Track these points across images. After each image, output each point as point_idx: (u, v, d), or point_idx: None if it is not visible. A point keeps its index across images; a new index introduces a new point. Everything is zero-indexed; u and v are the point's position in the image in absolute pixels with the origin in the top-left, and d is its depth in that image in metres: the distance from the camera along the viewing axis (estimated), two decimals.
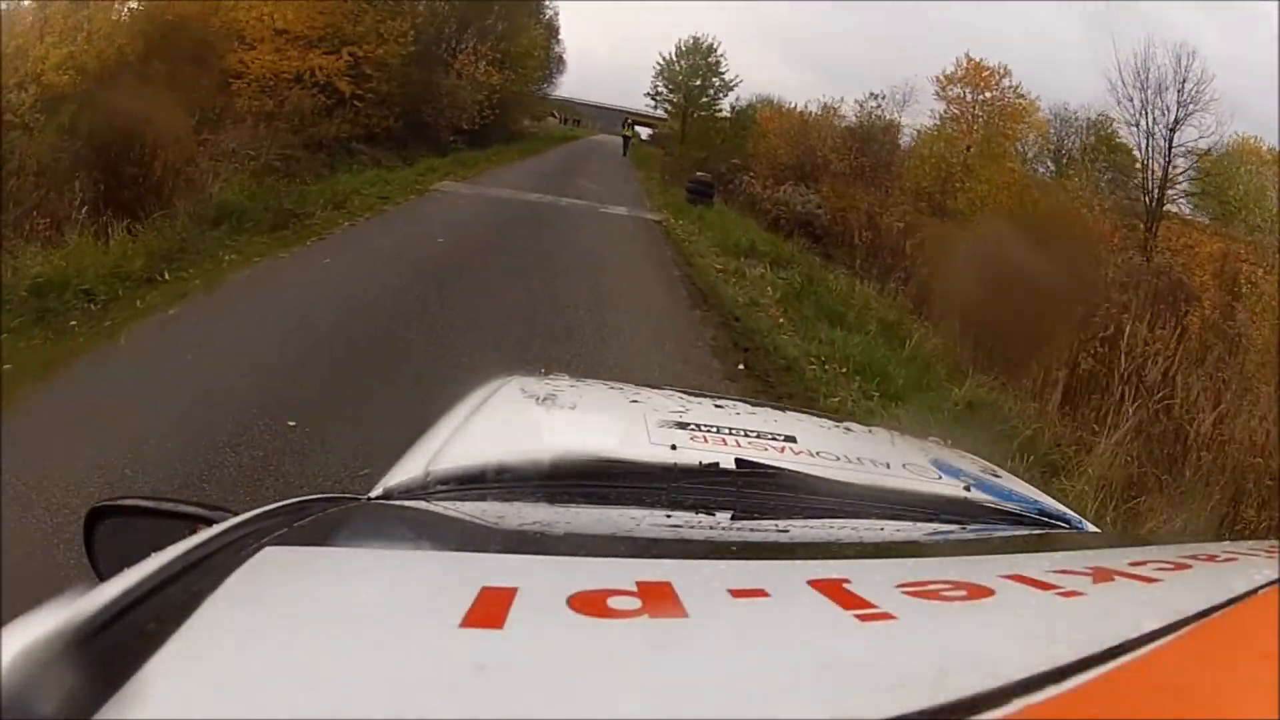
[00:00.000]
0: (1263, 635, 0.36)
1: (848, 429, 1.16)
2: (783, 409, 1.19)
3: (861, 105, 15.23)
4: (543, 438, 0.90)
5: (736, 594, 0.37)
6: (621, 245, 8.53)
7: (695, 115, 17.87)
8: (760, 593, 0.37)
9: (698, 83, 17.81)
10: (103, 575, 0.72)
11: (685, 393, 1.19)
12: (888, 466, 0.94)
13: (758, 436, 0.95)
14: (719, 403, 1.16)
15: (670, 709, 0.27)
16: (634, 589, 0.36)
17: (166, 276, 4.86)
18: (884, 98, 14.76)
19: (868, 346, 5.53)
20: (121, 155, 5.95)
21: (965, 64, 14.32)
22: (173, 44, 8.45)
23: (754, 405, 1.17)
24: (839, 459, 0.92)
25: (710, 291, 6.73)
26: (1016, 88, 14.01)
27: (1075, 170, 13.47)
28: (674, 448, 0.85)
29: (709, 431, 0.93)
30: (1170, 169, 12.23)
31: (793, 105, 15.71)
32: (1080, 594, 0.40)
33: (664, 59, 18.28)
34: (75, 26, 7.86)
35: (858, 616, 0.34)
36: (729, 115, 17.54)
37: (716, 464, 0.82)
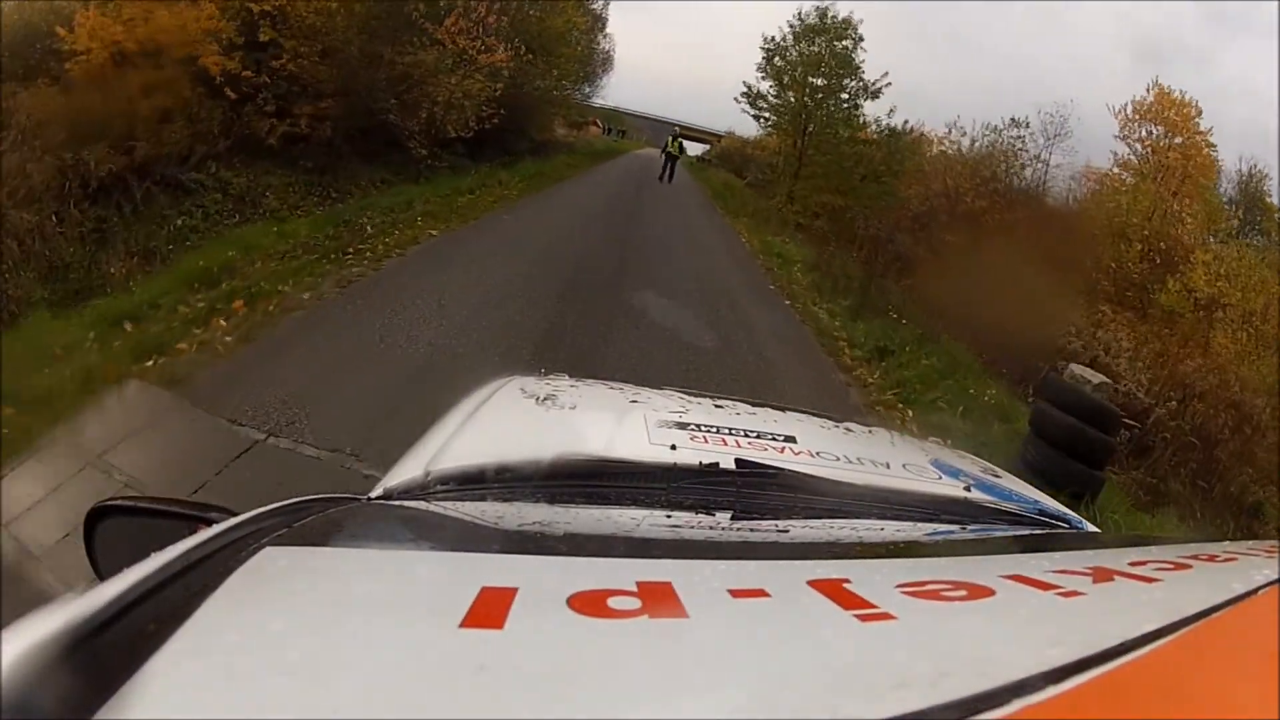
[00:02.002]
0: (1263, 635, 0.36)
1: (848, 429, 1.16)
2: (782, 409, 1.19)
3: (998, 134, 10.50)
4: (543, 438, 0.90)
5: (736, 594, 0.37)
6: None
7: (823, 134, 11.27)
8: (760, 593, 0.37)
9: (820, 81, 11.18)
10: (103, 575, 0.72)
11: (685, 393, 1.19)
12: (888, 467, 0.93)
13: (757, 437, 0.95)
14: (719, 403, 1.16)
15: (670, 709, 0.27)
16: (634, 589, 0.36)
17: None
18: (1027, 126, 10.23)
19: None
20: None
21: (1155, 93, 9.84)
22: None
23: (754, 406, 1.17)
24: (839, 459, 0.92)
25: None
26: (1207, 133, 9.73)
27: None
28: (674, 448, 0.85)
29: (709, 432, 0.93)
30: None
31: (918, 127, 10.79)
32: (1080, 594, 0.40)
33: (771, 43, 11.38)
34: None
35: (858, 616, 0.34)
36: (875, 136, 11.04)
37: (716, 464, 0.82)
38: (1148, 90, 9.96)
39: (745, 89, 12.23)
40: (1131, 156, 10.08)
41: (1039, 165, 10.50)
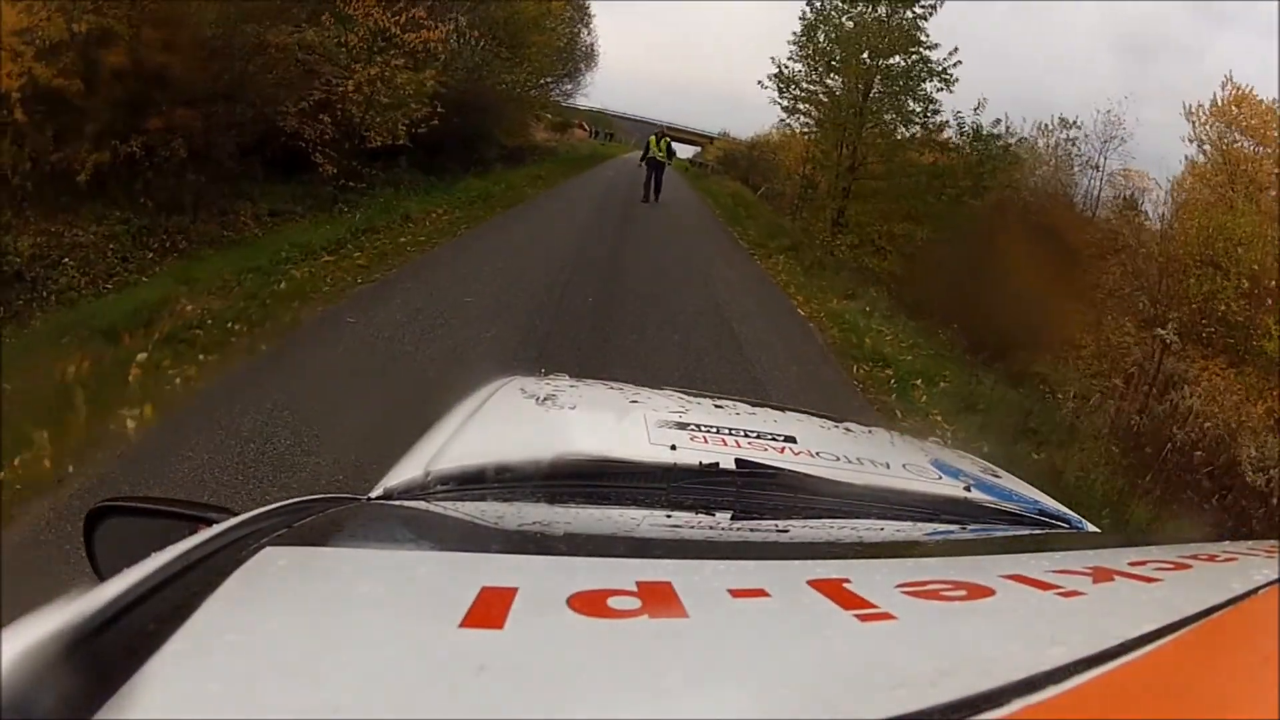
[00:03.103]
0: (1263, 635, 0.36)
1: (847, 429, 1.16)
2: (782, 409, 1.19)
3: (1045, 135, 8.33)
4: (543, 438, 0.90)
5: (736, 594, 0.37)
6: None
7: (888, 135, 8.27)
8: (760, 593, 0.37)
9: (871, 57, 8.08)
10: (103, 575, 0.72)
11: (685, 393, 1.19)
12: (887, 467, 0.94)
13: (757, 437, 0.95)
14: (719, 403, 1.16)
15: (670, 709, 0.27)
16: (634, 589, 0.36)
17: None
18: (1079, 126, 8.30)
19: None
20: None
21: (1231, 92, 8.02)
22: None
23: (754, 406, 1.17)
24: (839, 459, 0.92)
25: None
26: None
27: None
28: (674, 448, 0.85)
29: (709, 432, 0.93)
30: None
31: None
32: (1080, 594, 0.40)
33: (811, 9, 8.49)
34: None
35: (858, 616, 0.34)
36: (966, 142, 8.02)
37: (716, 464, 0.82)
38: (1222, 86, 8.13)
39: (776, 70, 8.69)
40: (1204, 162, 8.16)
41: (1093, 172, 8.47)
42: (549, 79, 11.78)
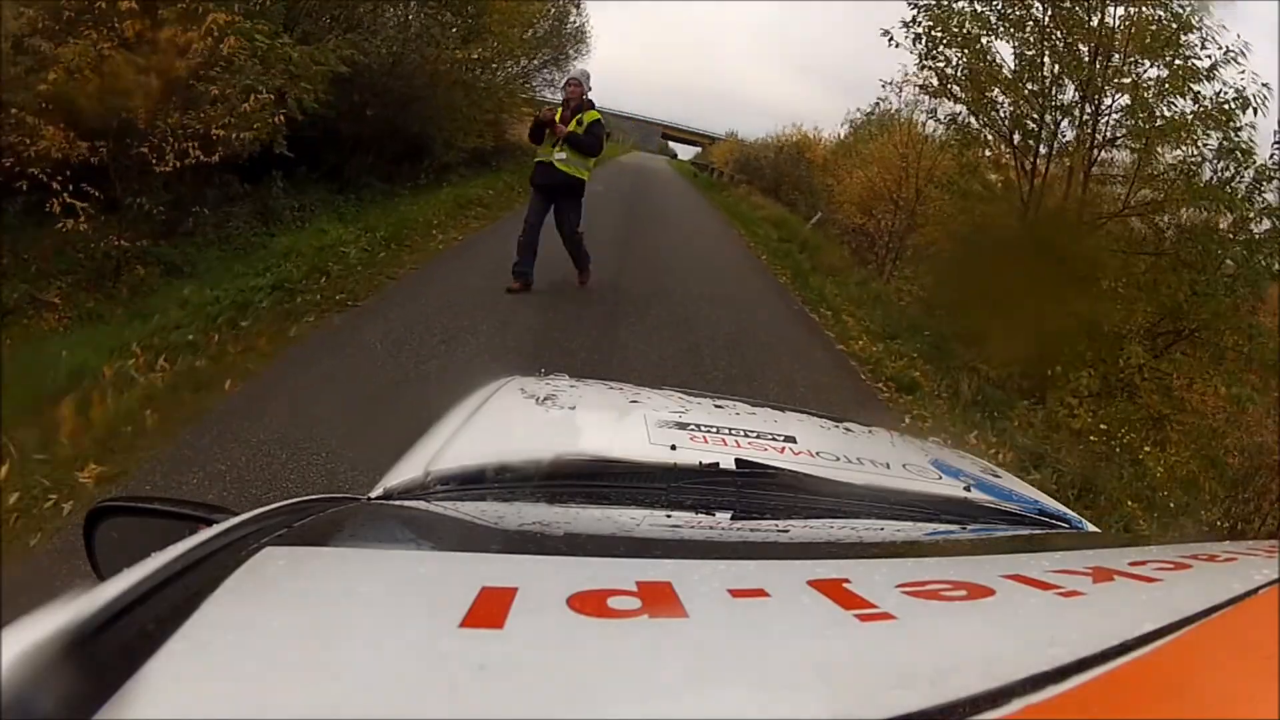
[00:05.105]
0: (1263, 635, 0.36)
1: (847, 429, 1.16)
2: (782, 409, 1.19)
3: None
4: (543, 438, 0.90)
5: (736, 594, 0.37)
6: None
7: (1106, 143, 4.80)
8: (760, 593, 0.37)
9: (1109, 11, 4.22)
10: (103, 575, 0.72)
11: (685, 393, 1.19)
12: (888, 466, 0.94)
13: (757, 437, 0.95)
14: (719, 403, 1.16)
15: (670, 709, 0.27)
16: (634, 589, 0.36)
17: None
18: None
19: None
20: None
21: None
22: None
23: (754, 406, 1.17)
24: (839, 459, 0.93)
25: None
26: None
27: None
28: (674, 448, 0.85)
29: (709, 432, 0.93)
30: None
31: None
32: (1080, 594, 0.40)
33: None
34: None
35: (858, 616, 0.34)
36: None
37: (716, 464, 0.82)
38: None
39: (914, 10, 4.83)
40: None
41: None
42: (527, 61, 8.71)
